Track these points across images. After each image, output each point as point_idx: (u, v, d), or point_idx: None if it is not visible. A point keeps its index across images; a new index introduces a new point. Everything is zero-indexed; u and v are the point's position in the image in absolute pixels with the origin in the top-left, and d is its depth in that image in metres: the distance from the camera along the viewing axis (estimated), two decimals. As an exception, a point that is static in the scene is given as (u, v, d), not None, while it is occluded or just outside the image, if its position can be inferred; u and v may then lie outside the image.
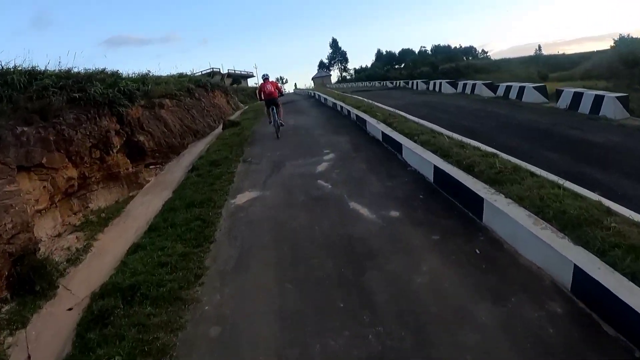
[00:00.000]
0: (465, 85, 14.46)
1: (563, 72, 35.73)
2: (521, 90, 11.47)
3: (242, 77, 46.38)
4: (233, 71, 44.40)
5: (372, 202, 4.53)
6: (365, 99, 12.65)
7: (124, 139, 7.99)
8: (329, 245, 3.64)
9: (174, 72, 15.96)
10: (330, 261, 3.33)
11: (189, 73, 19.64)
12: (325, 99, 16.20)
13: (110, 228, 5.83)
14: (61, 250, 4.99)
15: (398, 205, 4.32)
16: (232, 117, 15.24)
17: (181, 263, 3.70)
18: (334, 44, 73.72)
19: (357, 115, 9.59)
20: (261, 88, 9.31)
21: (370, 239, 3.62)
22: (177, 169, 8.23)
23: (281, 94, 9.49)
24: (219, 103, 17.54)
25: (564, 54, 54.48)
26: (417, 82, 21.95)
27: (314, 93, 21.90)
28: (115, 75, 9.03)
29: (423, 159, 5.19)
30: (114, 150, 7.51)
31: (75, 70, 8.11)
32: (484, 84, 13.47)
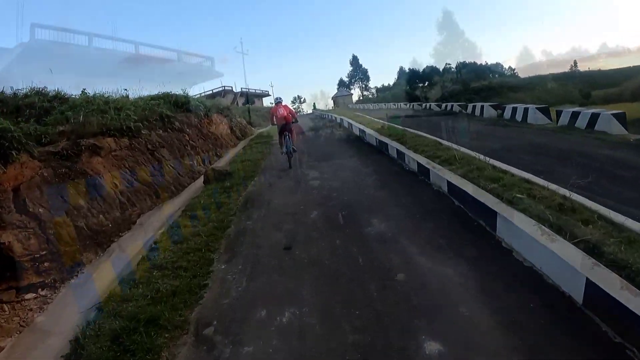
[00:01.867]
0: (575, 115, 9.42)
1: (609, 90, 29.83)
2: None
3: (256, 96, 43.01)
4: (247, 90, 40.96)
5: None
6: (448, 142, 7.47)
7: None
8: None
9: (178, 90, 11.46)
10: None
11: (199, 92, 15.55)
12: (361, 132, 11.56)
13: None
14: None
15: None
16: (224, 162, 10.77)
17: None
18: (355, 61, 70.38)
19: (451, 185, 4.79)
20: (273, 112, 8.60)
21: None
22: (69, 311, 3.70)
23: (295, 119, 8.84)
24: (217, 132, 13.29)
25: (599, 70, 48.53)
26: (482, 106, 15.38)
27: (341, 119, 17.05)
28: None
29: None
30: None
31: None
32: (613, 114, 8.54)
